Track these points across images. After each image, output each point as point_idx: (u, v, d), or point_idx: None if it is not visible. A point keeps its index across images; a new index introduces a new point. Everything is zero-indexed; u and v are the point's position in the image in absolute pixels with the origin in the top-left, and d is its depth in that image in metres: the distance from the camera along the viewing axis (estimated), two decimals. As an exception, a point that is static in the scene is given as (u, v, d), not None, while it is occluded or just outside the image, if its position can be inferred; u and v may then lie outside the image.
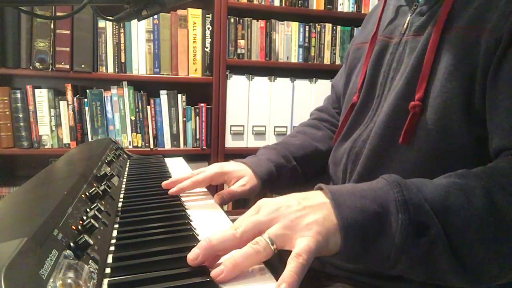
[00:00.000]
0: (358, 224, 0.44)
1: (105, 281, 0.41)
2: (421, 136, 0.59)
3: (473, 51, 0.56)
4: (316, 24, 2.03)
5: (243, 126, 1.96)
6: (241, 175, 0.75)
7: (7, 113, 1.68)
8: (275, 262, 0.76)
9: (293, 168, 0.82)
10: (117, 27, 1.76)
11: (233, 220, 0.52)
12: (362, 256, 0.45)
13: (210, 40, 1.89)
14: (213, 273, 0.41)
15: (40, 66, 1.66)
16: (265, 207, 0.47)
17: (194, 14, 1.86)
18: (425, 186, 0.47)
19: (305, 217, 0.44)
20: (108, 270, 0.43)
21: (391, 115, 0.63)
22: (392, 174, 0.49)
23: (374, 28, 0.75)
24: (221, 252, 0.44)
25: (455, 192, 0.46)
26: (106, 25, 1.75)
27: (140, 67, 1.81)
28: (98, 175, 0.67)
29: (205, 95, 1.97)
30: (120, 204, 0.66)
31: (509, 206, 0.45)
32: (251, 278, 0.43)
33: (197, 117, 1.91)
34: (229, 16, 1.89)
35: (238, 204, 1.96)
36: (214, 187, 1.91)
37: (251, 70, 1.96)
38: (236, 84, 1.93)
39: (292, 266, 0.40)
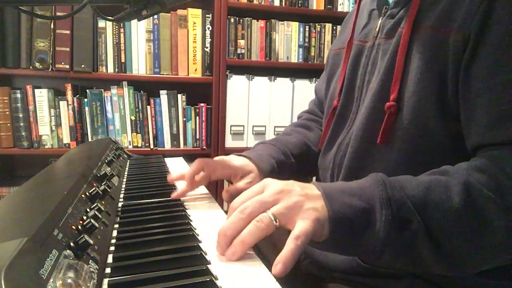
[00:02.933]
0: (346, 218, 0.47)
1: (105, 281, 0.41)
2: (399, 136, 0.61)
3: (442, 50, 0.57)
4: (316, 24, 2.03)
5: (243, 126, 1.96)
6: (248, 171, 0.77)
7: (7, 113, 1.68)
8: (267, 252, 0.76)
9: (291, 165, 0.84)
10: (117, 27, 1.76)
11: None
12: (349, 247, 0.49)
13: (210, 40, 1.89)
14: (227, 254, 0.47)
15: (40, 66, 1.66)
16: (270, 187, 0.50)
17: (194, 14, 1.86)
18: (409, 183, 0.50)
19: (306, 201, 0.48)
20: (108, 270, 0.43)
21: (369, 117, 0.65)
22: (379, 172, 0.52)
23: (350, 33, 0.77)
24: (236, 235, 0.47)
25: (436, 189, 0.49)
26: (106, 25, 1.75)
27: (140, 67, 1.81)
28: (98, 175, 0.67)
29: (205, 95, 1.97)
30: (120, 204, 0.66)
31: (485, 201, 0.47)
32: (252, 278, 0.44)
33: (197, 117, 1.91)
34: (229, 16, 1.89)
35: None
36: (214, 187, 1.91)
37: (251, 70, 1.96)
38: (236, 84, 1.93)
39: (290, 247, 0.44)
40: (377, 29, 0.69)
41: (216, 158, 0.78)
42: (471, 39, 0.54)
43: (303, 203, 0.47)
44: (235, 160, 0.78)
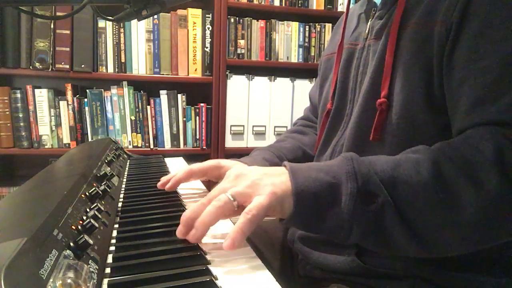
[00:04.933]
0: (311, 192, 0.48)
1: (105, 281, 0.41)
2: (390, 131, 0.61)
3: (428, 43, 0.58)
4: (316, 24, 2.03)
5: (243, 126, 1.96)
6: None
7: (7, 113, 1.68)
8: (268, 254, 0.76)
9: None
10: (117, 27, 1.76)
11: (233, 221, 0.53)
12: (316, 224, 0.49)
13: (210, 40, 1.89)
14: (189, 237, 0.48)
15: (40, 66, 1.66)
16: (230, 173, 0.53)
17: (194, 14, 1.86)
18: (378, 160, 0.51)
19: (264, 179, 0.49)
20: (108, 270, 0.43)
21: (361, 115, 0.65)
22: (351, 152, 0.53)
23: (340, 38, 0.78)
24: (196, 218, 0.49)
25: (405, 164, 0.49)
26: (106, 25, 1.75)
27: (140, 67, 1.81)
28: (98, 175, 0.67)
29: (205, 95, 1.97)
30: (120, 204, 0.66)
31: (455, 176, 0.47)
32: (252, 278, 0.44)
33: (197, 117, 1.91)
34: (229, 16, 1.89)
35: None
36: (214, 186, 1.90)
37: (251, 70, 1.96)
38: (236, 84, 1.93)
39: (240, 221, 0.46)
40: (366, 31, 0.70)
41: (207, 161, 0.76)
42: (453, 29, 0.55)
43: (261, 180, 0.49)
44: (224, 161, 0.77)
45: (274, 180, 0.49)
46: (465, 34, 0.54)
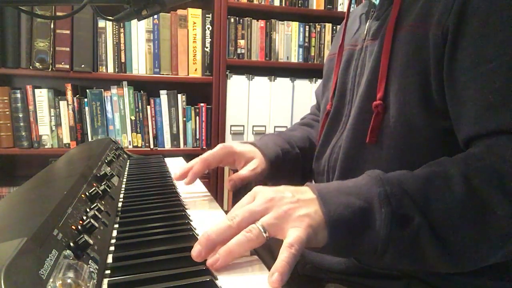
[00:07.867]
0: (344, 219, 0.46)
1: (105, 281, 0.41)
2: (387, 134, 0.61)
3: (423, 46, 0.57)
4: (316, 24, 2.03)
5: (243, 126, 1.96)
6: (251, 157, 0.78)
7: (7, 113, 1.68)
8: (266, 256, 0.76)
9: (296, 155, 0.85)
10: (117, 27, 1.76)
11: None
12: (349, 249, 0.48)
13: (210, 40, 1.89)
14: (209, 261, 0.44)
15: (40, 66, 1.66)
16: (260, 195, 0.49)
17: (194, 14, 1.86)
18: (406, 178, 0.49)
19: (297, 209, 0.46)
20: (108, 270, 0.43)
21: (358, 117, 0.65)
22: (375, 169, 0.51)
23: (341, 39, 0.79)
24: (220, 244, 0.45)
25: (435, 181, 0.48)
26: (106, 25, 1.75)
27: (140, 67, 1.81)
28: (98, 175, 0.67)
29: (205, 95, 1.97)
30: (120, 204, 0.66)
31: (487, 189, 0.46)
32: (251, 278, 0.44)
33: (197, 117, 1.91)
34: (229, 16, 1.89)
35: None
36: (214, 186, 1.91)
37: (251, 70, 1.96)
38: (236, 84, 1.93)
39: (284, 255, 0.42)
40: (365, 32, 0.71)
41: (219, 145, 0.79)
42: (450, 32, 0.54)
43: (294, 211, 0.46)
44: (238, 146, 0.79)
45: (308, 211, 0.46)
46: (465, 37, 0.53)
